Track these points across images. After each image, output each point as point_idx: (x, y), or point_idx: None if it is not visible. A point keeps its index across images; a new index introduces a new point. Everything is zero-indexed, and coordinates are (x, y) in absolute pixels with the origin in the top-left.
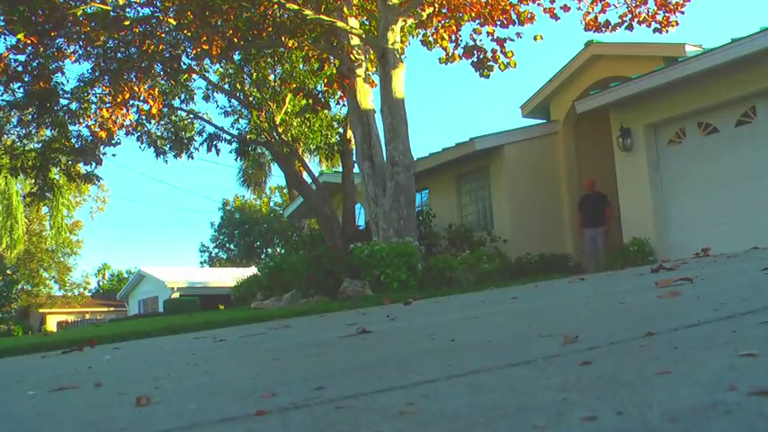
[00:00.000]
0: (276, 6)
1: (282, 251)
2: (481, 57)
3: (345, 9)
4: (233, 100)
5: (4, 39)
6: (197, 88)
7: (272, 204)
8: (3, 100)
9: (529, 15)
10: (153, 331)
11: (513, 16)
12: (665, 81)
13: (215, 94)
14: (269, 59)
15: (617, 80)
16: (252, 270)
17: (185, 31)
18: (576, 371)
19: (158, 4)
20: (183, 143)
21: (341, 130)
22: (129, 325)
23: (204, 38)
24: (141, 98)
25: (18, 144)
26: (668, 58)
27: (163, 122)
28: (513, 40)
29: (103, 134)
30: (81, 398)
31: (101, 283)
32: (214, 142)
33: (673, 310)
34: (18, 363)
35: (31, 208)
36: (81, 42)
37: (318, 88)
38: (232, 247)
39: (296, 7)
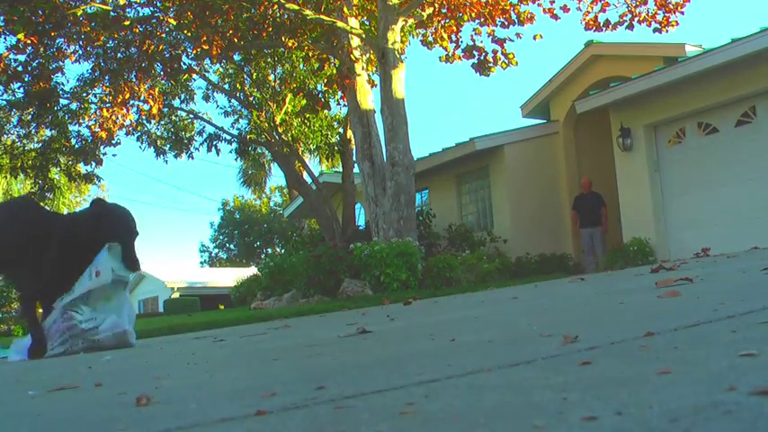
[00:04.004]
0: (276, 6)
1: (282, 251)
2: (481, 58)
3: (345, 9)
4: (233, 100)
5: (4, 39)
6: (197, 88)
7: (272, 204)
8: (3, 100)
9: (529, 15)
10: (153, 331)
11: (513, 16)
12: (665, 81)
13: (215, 94)
14: (269, 59)
15: (617, 80)
16: (252, 270)
17: (185, 31)
18: (575, 371)
19: (158, 4)
20: (183, 143)
21: (341, 130)
22: None
23: (204, 38)
24: (141, 98)
25: (18, 144)
26: (668, 58)
27: (163, 122)
28: (512, 41)
29: (103, 134)
30: (81, 398)
31: None
32: (214, 142)
33: (673, 310)
34: (18, 362)
35: None
36: (81, 42)
37: (318, 88)
38: (232, 247)
39: (296, 7)
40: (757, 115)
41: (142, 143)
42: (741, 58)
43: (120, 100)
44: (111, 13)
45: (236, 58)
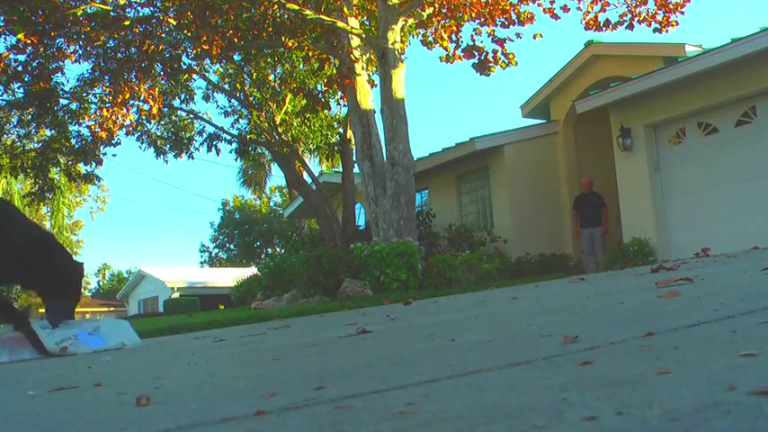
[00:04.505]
0: (276, 6)
1: (282, 251)
2: (482, 58)
3: (345, 9)
4: (233, 100)
5: (4, 39)
6: (197, 88)
7: (272, 204)
8: (3, 100)
9: (529, 15)
10: (153, 331)
11: (513, 16)
12: (665, 81)
13: (215, 94)
14: (269, 59)
15: (617, 80)
16: (252, 270)
17: (185, 31)
18: (575, 371)
19: (158, 4)
20: (183, 143)
21: (341, 130)
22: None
23: (204, 38)
24: (141, 98)
25: (18, 144)
26: (668, 58)
27: (163, 122)
28: (513, 41)
29: (103, 134)
30: (81, 398)
31: (101, 283)
32: (214, 142)
33: (673, 310)
34: (18, 363)
35: (31, 208)
36: (81, 42)
37: (318, 88)
38: (232, 247)
39: (296, 7)
40: (757, 115)
41: (142, 143)
42: (741, 58)
43: (120, 100)
44: (111, 13)
45: (236, 58)
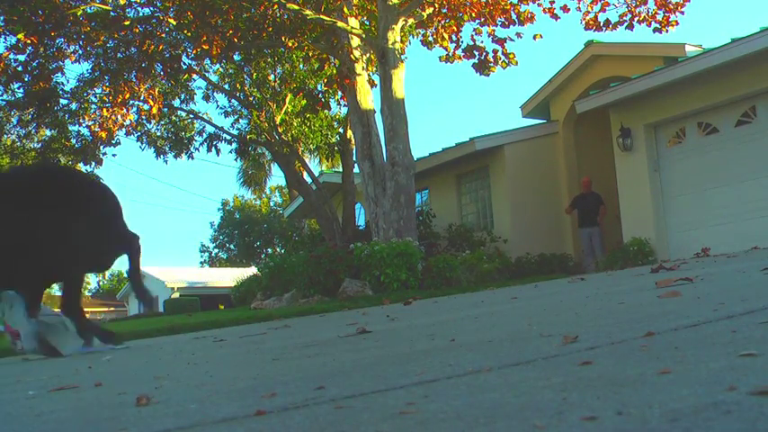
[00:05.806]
0: (276, 6)
1: (282, 251)
2: (482, 57)
3: (345, 9)
4: (233, 100)
5: (4, 39)
6: (197, 88)
7: (272, 204)
8: (3, 100)
9: (529, 15)
10: (153, 331)
11: (514, 16)
12: (665, 81)
13: (215, 94)
14: (269, 59)
15: (617, 80)
16: (252, 270)
17: (185, 31)
18: (575, 371)
19: (158, 4)
20: (183, 143)
21: (341, 130)
22: (130, 325)
23: (204, 38)
24: (141, 98)
25: (18, 144)
26: (668, 58)
27: (163, 122)
28: (513, 41)
29: (103, 134)
30: (81, 398)
31: (101, 283)
32: (214, 142)
33: (673, 310)
34: (18, 362)
35: None
36: (81, 42)
37: (318, 88)
38: (232, 247)
39: (296, 7)
40: (757, 115)
41: (142, 143)
42: (741, 58)
43: (120, 100)
44: (111, 13)
45: (236, 58)
